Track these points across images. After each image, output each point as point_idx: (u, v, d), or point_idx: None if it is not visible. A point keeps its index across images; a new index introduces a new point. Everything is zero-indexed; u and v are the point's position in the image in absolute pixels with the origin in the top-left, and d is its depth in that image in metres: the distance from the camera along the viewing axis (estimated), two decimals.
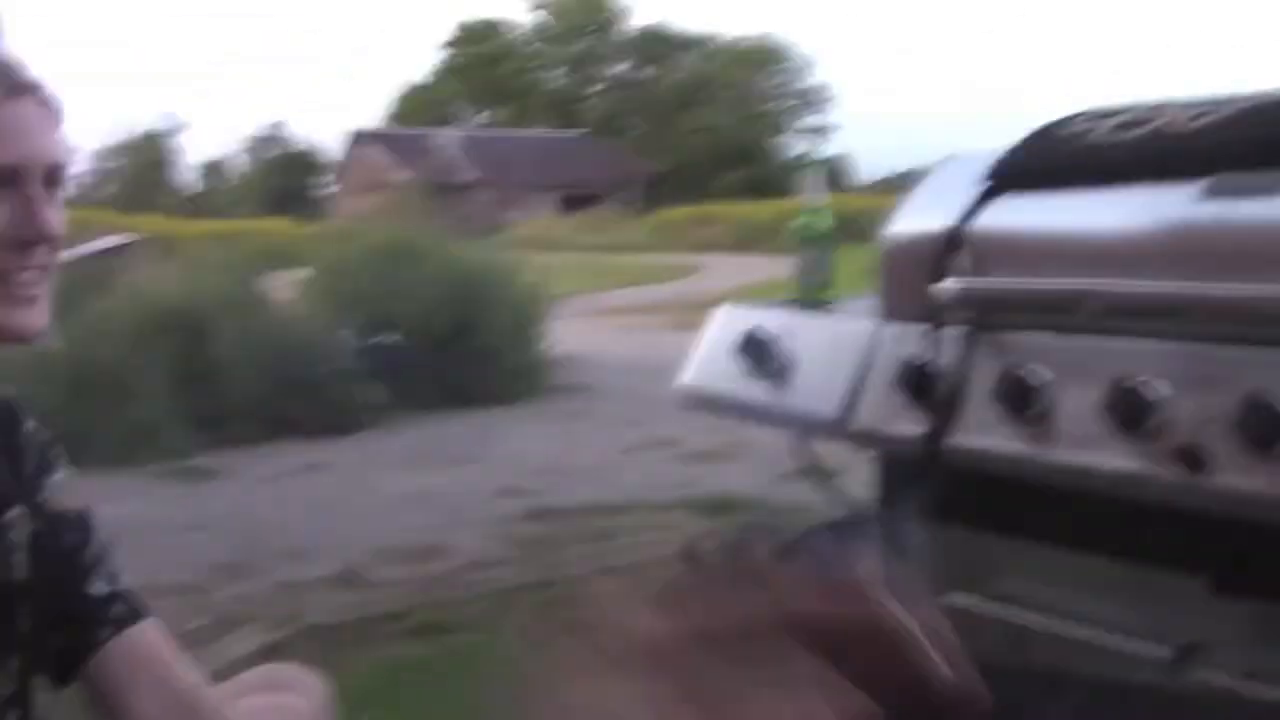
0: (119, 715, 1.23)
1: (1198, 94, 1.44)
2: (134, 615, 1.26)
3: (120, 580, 1.27)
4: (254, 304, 8.32)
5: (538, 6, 54.45)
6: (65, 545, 1.23)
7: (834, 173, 44.60)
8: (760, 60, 52.40)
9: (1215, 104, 1.40)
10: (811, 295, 1.97)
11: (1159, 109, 1.45)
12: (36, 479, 1.24)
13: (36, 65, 1.15)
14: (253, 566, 4.64)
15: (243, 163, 54.51)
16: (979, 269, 1.46)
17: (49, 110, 1.15)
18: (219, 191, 52.67)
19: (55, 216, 1.13)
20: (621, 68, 54.64)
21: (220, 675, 1.54)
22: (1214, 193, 1.29)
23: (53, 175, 1.13)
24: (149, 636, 1.27)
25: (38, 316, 1.13)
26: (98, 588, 1.25)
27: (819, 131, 53.09)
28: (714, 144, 48.12)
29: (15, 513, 1.19)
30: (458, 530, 5.09)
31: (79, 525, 1.26)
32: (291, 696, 1.42)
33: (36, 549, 1.20)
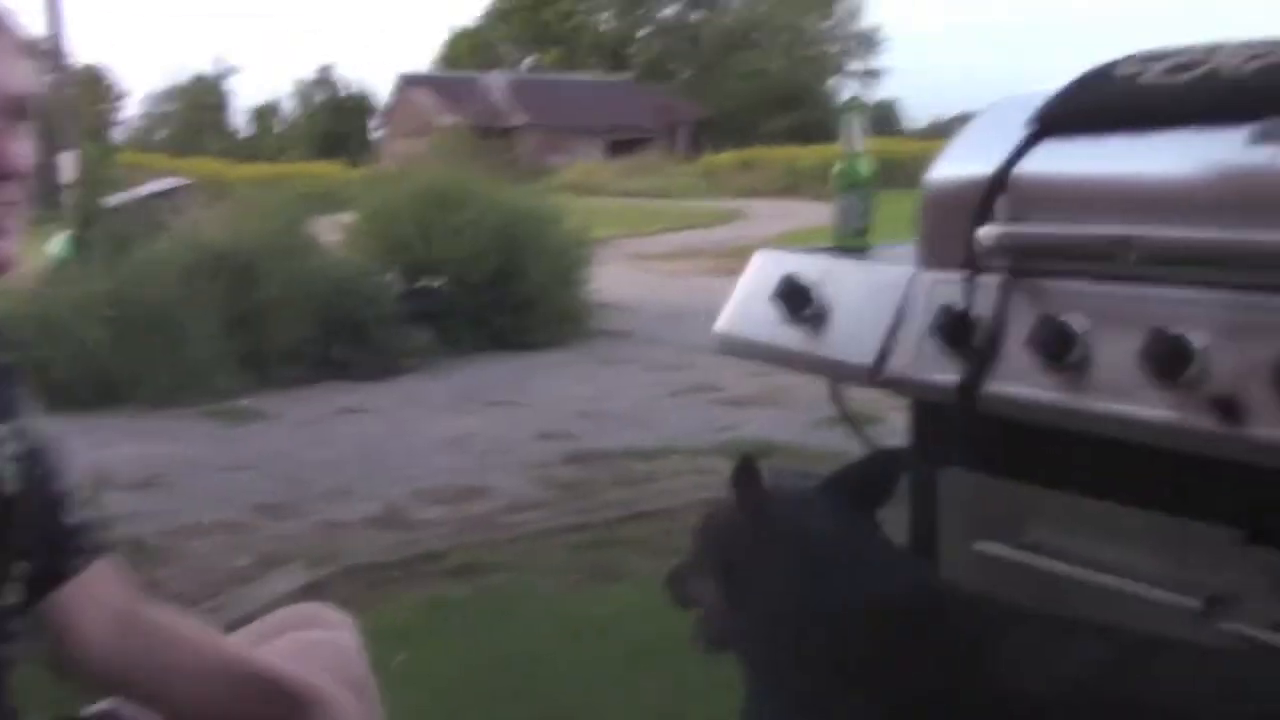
0: (72, 642, 1.25)
1: (1255, 36, 1.40)
2: (100, 548, 1.28)
3: (85, 514, 1.28)
4: (301, 247, 8.36)
5: None
6: (44, 469, 1.23)
7: (883, 117, 44.00)
8: (810, 3, 51.59)
9: (1271, 46, 1.35)
10: (850, 241, 1.95)
11: (1213, 51, 1.40)
12: (13, 401, 1.23)
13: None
14: (296, 506, 4.70)
15: (293, 107, 54.69)
16: (1020, 215, 1.43)
17: (9, 39, 1.09)
18: (269, 135, 52.88)
19: (21, 150, 1.09)
20: (670, 10, 54.05)
21: (263, 612, 1.57)
22: (1265, 137, 1.26)
23: (17, 107, 1.08)
24: (109, 569, 1.29)
25: (5, 249, 1.10)
26: (71, 517, 1.26)
27: (869, 76, 52.41)
28: (762, 88, 47.55)
29: (3, 429, 1.19)
30: (497, 473, 5.12)
31: (52, 454, 1.26)
32: (332, 632, 1.43)
33: (23, 466, 1.19)
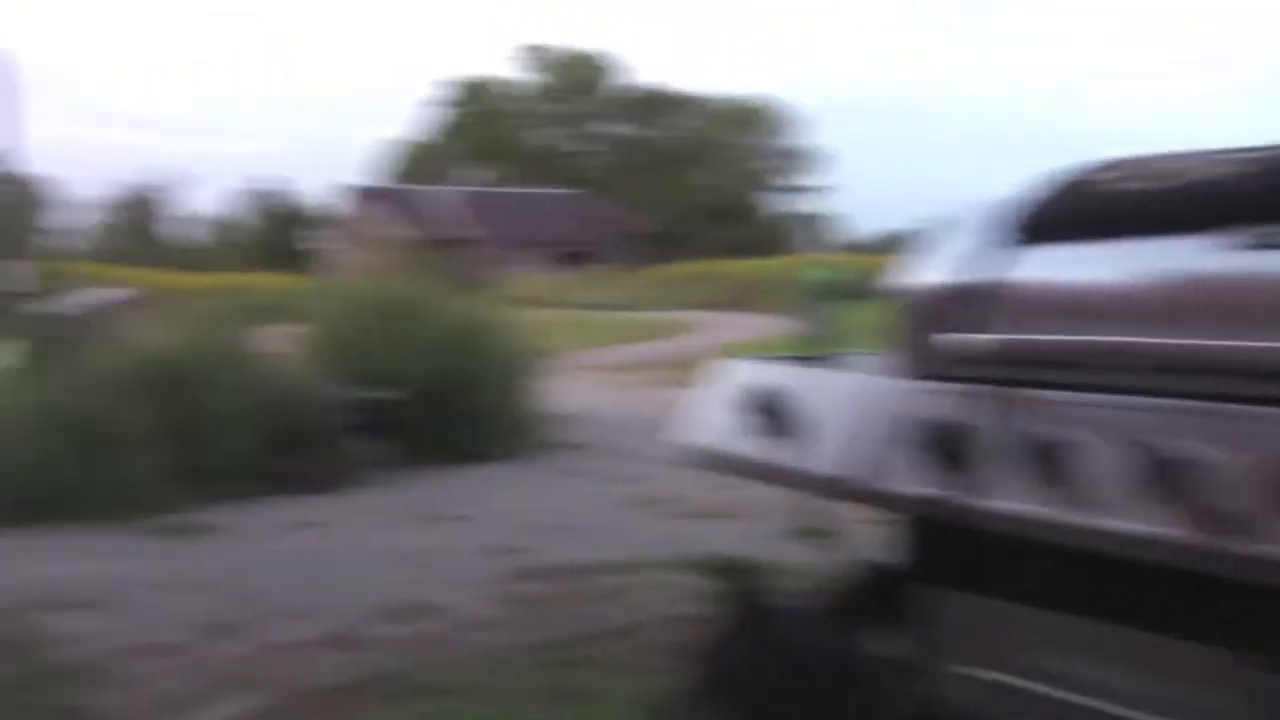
0: None
1: (1228, 144, 1.41)
2: None
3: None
4: (248, 358, 8.25)
5: (539, 67, 55.04)
6: None
7: (829, 230, 44.85)
8: (756, 120, 52.81)
9: (1246, 154, 1.35)
10: (813, 350, 1.93)
11: (1185, 158, 1.41)
12: None
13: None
14: (243, 626, 4.53)
15: (241, 217, 54.73)
16: (999, 324, 1.41)
17: None
18: (217, 245, 52.82)
19: None
20: (620, 127, 55.06)
21: None
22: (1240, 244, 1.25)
23: None
24: None
25: None
26: None
27: (815, 190, 53.46)
28: (709, 202, 48.38)
29: None
30: (451, 589, 4.99)
31: None
32: None
33: None
